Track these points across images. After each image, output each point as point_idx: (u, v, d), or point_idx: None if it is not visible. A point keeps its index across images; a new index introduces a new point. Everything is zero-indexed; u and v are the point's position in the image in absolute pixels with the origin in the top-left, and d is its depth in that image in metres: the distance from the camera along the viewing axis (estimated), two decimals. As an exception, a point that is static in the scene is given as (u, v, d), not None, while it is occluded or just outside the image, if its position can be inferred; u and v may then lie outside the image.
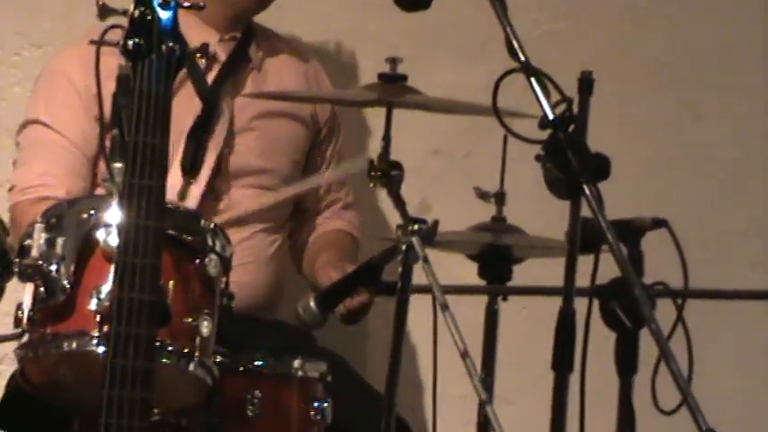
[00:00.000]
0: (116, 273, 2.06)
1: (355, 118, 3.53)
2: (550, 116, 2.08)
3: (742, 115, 4.06)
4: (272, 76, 3.22)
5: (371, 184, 2.62)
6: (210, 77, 3.06)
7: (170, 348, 2.32)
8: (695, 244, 3.13)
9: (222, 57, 3.09)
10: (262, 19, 3.30)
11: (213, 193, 3.07)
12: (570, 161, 2.05)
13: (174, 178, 2.97)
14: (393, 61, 2.63)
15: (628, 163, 3.72)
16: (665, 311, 2.47)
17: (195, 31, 2.96)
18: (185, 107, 2.93)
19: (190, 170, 3.02)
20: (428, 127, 3.55)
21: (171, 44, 1.98)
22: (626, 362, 2.37)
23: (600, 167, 2.12)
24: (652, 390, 2.39)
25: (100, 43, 2.12)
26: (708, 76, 4.07)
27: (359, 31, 3.64)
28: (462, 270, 3.13)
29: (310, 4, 3.59)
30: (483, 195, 2.99)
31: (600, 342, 2.42)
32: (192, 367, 2.35)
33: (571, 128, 2.09)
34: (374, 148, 2.95)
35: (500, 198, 2.96)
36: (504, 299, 2.93)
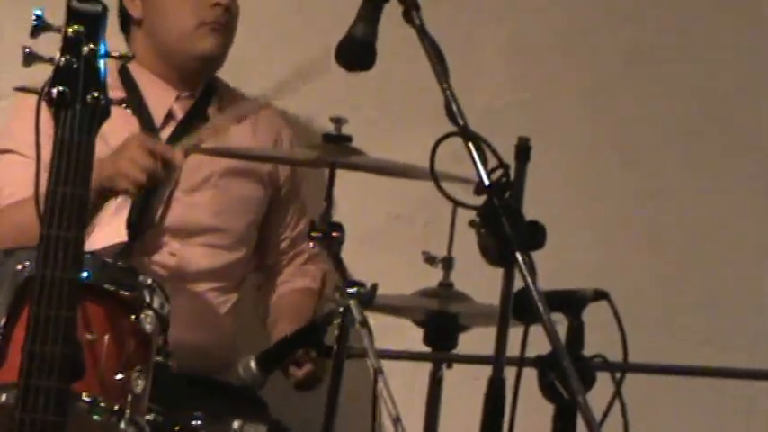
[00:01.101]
0: (28, 325, 2.00)
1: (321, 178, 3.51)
2: (486, 182, 2.04)
3: (694, 190, 4.07)
4: (232, 136, 3.14)
5: (311, 244, 2.59)
6: (166, 135, 3.01)
7: (101, 405, 2.26)
8: (643, 317, 3.17)
9: (179, 114, 3.06)
10: (224, 76, 3.27)
11: (161, 250, 3.02)
12: (503, 228, 2.00)
13: (120, 234, 2.93)
14: (338, 121, 2.61)
15: (578, 234, 3.81)
16: (608, 385, 2.46)
17: (153, 89, 3.01)
18: None
19: (136, 226, 2.96)
20: (389, 191, 3.55)
21: (96, 94, 1.92)
22: (563, 434, 2.31)
23: (534, 236, 2.06)
24: (587, 464, 2.31)
25: (22, 89, 2.09)
26: (664, 150, 4.08)
27: (318, 92, 3.57)
28: (413, 335, 3.09)
29: (271, 63, 3.58)
30: (430, 260, 2.94)
31: (540, 414, 2.39)
32: (122, 425, 2.28)
33: (507, 194, 2.06)
34: (341, 209, 2.93)
35: (447, 263, 2.92)
36: (449, 366, 2.88)
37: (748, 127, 4.15)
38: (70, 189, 1.98)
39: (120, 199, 2.91)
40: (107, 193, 2.70)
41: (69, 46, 1.97)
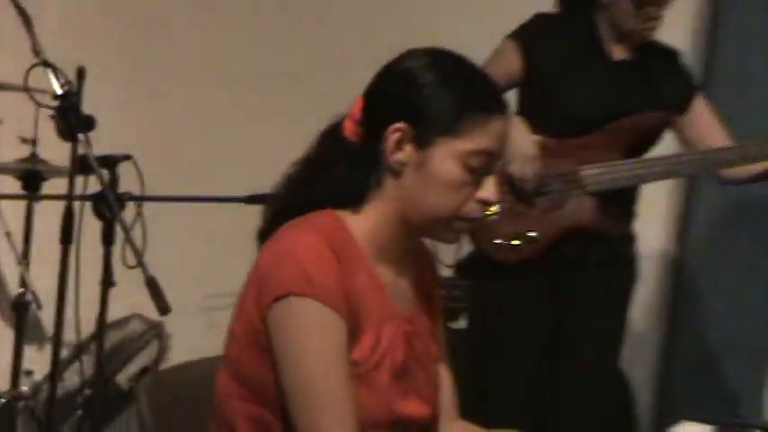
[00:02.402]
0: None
1: None
2: (59, 92, 2.95)
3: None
4: None
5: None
6: None
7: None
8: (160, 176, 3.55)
9: None
10: None
11: None
12: (71, 120, 2.93)
13: None
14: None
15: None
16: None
17: None
18: None
19: None
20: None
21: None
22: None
23: (88, 123, 2.99)
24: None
25: None
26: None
27: None
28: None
29: None
30: (25, 141, 3.67)
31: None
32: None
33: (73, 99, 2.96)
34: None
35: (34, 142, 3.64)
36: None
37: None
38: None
39: None
40: None
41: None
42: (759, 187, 4.19)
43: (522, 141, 3.54)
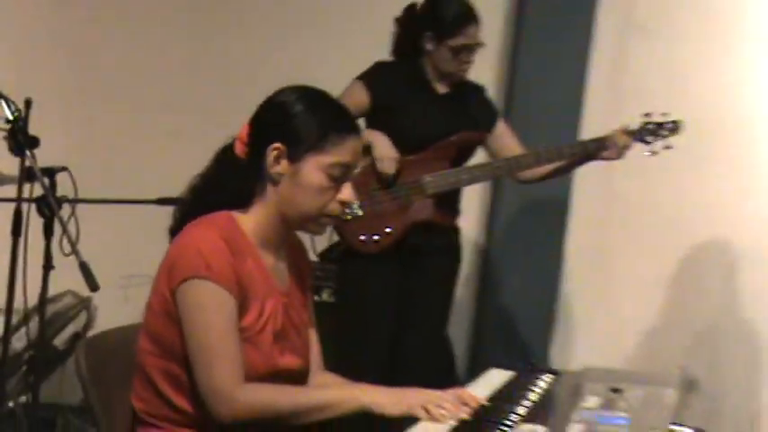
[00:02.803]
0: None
1: None
2: (10, 117, 2.97)
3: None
4: None
5: None
6: None
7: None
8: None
9: None
10: None
11: None
12: (20, 140, 2.93)
13: None
14: None
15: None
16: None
17: None
18: None
19: None
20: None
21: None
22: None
23: (33, 142, 2.98)
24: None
25: None
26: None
27: None
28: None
29: None
30: None
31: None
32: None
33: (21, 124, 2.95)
34: None
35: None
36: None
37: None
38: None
39: None
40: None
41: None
42: (545, 188, 4.27)
43: (384, 147, 3.57)
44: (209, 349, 1.92)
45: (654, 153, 3.76)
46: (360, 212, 3.52)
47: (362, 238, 3.59)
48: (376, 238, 3.58)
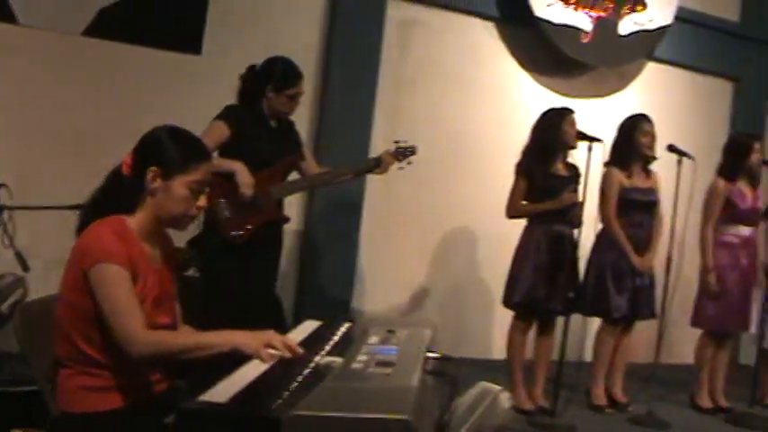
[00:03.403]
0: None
1: None
2: None
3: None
4: None
5: None
6: None
7: None
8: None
9: None
10: None
11: None
12: None
13: None
14: None
15: None
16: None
17: None
18: None
19: None
20: None
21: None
22: None
23: None
24: None
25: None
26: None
27: None
28: None
29: None
30: None
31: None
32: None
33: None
34: None
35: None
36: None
37: None
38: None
39: None
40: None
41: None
42: (345, 192, 4.36)
43: (245, 176, 3.52)
44: (119, 310, 1.89)
45: (401, 168, 3.86)
46: (227, 215, 3.50)
47: (233, 233, 3.58)
48: (241, 233, 3.61)
